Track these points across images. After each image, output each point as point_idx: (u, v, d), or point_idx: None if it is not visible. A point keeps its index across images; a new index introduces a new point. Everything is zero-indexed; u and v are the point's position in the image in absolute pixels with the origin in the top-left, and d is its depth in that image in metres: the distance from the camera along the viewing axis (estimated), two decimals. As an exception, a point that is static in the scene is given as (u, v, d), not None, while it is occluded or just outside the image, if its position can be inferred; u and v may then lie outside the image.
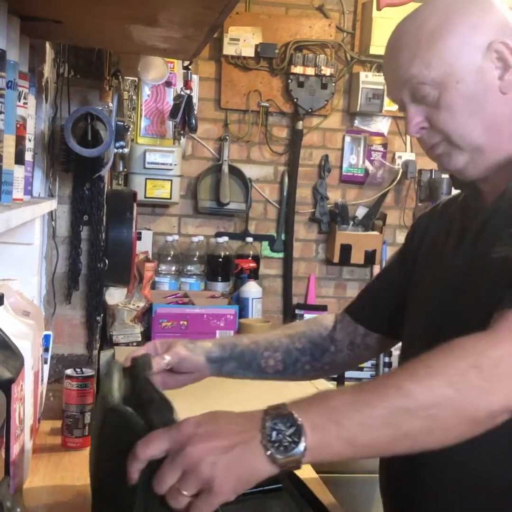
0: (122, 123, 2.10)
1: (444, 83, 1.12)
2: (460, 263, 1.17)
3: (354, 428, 0.85)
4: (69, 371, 1.67)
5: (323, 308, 3.77)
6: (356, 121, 3.80)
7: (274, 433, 0.84)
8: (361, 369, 3.71)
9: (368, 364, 3.74)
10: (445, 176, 3.80)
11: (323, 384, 2.37)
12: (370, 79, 3.63)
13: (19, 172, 1.30)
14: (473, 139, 1.13)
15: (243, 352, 1.38)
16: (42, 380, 1.66)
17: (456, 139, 1.14)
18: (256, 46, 3.58)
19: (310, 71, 3.61)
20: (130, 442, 0.91)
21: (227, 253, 3.48)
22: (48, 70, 1.87)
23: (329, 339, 1.43)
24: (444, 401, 0.87)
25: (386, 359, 3.72)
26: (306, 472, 1.48)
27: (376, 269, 3.81)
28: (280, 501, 1.26)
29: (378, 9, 3.49)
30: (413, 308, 1.30)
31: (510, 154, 1.14)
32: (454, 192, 1.35)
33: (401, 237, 3.88)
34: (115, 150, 2.09)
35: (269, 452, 0.83)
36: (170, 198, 3.38)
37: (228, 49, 3.57)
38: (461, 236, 1.21)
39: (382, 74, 3.69)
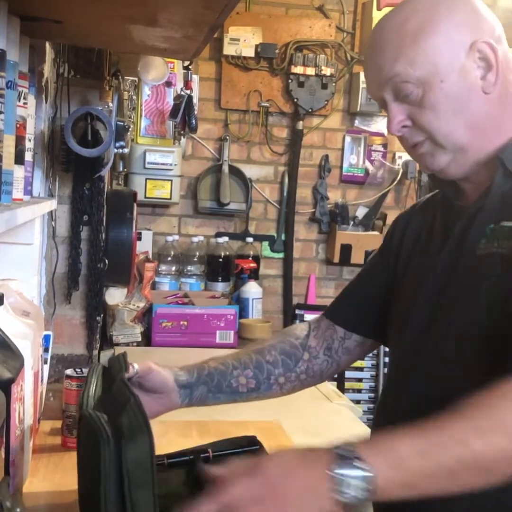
0: (122, 123, 2.10)
1: (428, 82, 1.11)
2: (445, 262, 1.17)
3: (418, 476, 0.89)
4: (69, 371, 1.67)
5: (323, 308, 3.72)
6: (356, 121, 3.80)
7: (342, 481, 0.87)
8: (361, 369, 3.72)
9: (368, 364, 3.75)
10: (445, 176, 3.81)
11: (326, 387, 2.37)
12: (370, 79, 3.63)
13: (19, 172, 1.30)
14: (456, 138, 1.13)
15: (211, 374, 1.33)
16: (42, 380, 1.66)
17: (440, 139, 1.13)
18: (256, 46, 3.58)
19: (310, 71, 3.61)
20: (95, 449, 0.91)
21: (227, 253, 3.48)
22: (48, 70, 1.87)
23: (302, 346, 1.38)
24: (503, 455, 0.90)
25: (386, 359, 3.72)
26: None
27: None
28: None
29: (378, 9, 3.49)
30: (399, 308, 1.28)
31: (491, 152, 1.14)
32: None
33: (401, 237, 3.88)
34: (115, 150, 2.09)
35: (335, 497, 0.87)
36: (170, 198, 3.38)
37: (228, 49, 3.57)
38: (445, 235, 1.20)
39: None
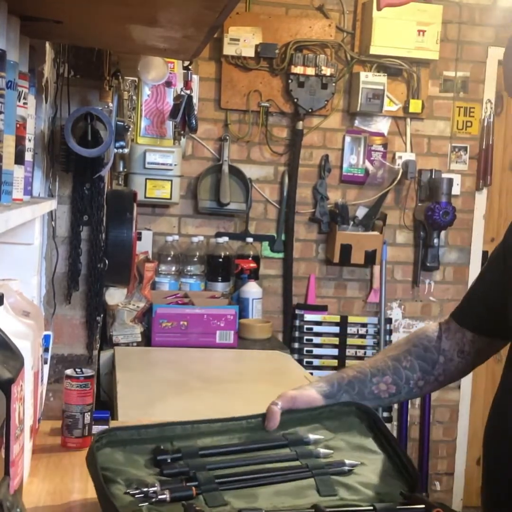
0: (122, 123, 2.10)
1: None
2: None
3: None
4: (69, 371, 1.66)
5: (323, 308, 3.77)
6: (356, 121, 3.80)
7: None
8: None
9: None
10: (445, 176, 3.80)
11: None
12: (370, 79, 3.63)
13: (19, 172, 1.30)
14: None
15: (351, 383, 1.34)
16: (42, 380, 1.66)
17: None
18: (256, 46, 3.58)
19: (310, 71, 3.61)
20: None
21: (227, 253, 3.48)
22: (48, 70, 1.86)
23: (436, 350, 1.39)
24: None
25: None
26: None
27: (376, 269, 3.81)
28: None
29: (378, 9, 3.48)
30: None
31: None
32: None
33: (401, 237, 3.88)
34: (115, 150, 2.09)
35: None
36: (170, 198, 3.38)
37: (228, 49, 3.57)
38: None
39: (382, 74, 3.68)
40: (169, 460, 1.10)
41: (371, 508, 1.07)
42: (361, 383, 1.34)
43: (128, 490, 1.04)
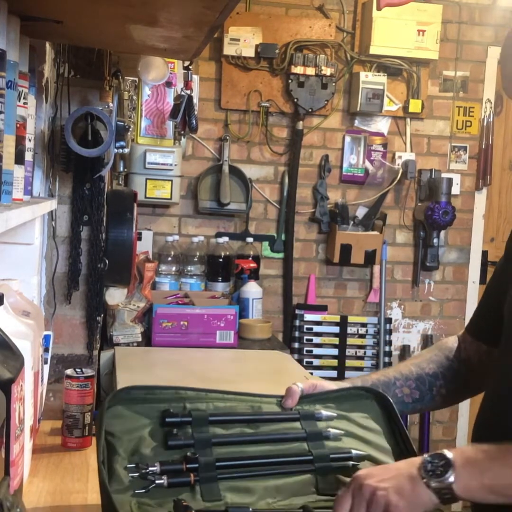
0: (122, 123, 2.10)
1: None
2: None
3: (491, 479, 1.03)
4: (69, 371, 1.67)
5: (323, 308, 3.77)
6: (356, 121, 3.80)
7: (429, 465, 1.04)
8: (361, 369, 3.72)
9: (368, 364, 3.75)
10: (445, 176, 3.80)
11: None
12: (370, 79, 3.64)
13: (19, 172, 1.30)
14: None
15: (375, 385, 1.35)
16: (42, 380, 1.66)
17: None
18: (256, 46, 3.58)
19: (310, 71, 3.61)
20: None
21: (228, 253, 3.48)
22: (48, 70, 1.86)
23: (457, 360, 1.40)
24: None
25: (386, 359, 3.72)
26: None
27: (376, 269, 3.81)
28: None
29: (378, 9, 3.48)
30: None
31: None
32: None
33: (401, 237, 3.89)
34: (115, 150, 2.09)
35: (424, 480, 1.03)
36: (171, 198, 3.38)
37: (229, 49, 3.57)
38: None
39: (382, 74, 3.69)
40: (174, 431, 1.11)
41: None
42: (384, 385, 1.35)
43: (128, 465, 1.05)
